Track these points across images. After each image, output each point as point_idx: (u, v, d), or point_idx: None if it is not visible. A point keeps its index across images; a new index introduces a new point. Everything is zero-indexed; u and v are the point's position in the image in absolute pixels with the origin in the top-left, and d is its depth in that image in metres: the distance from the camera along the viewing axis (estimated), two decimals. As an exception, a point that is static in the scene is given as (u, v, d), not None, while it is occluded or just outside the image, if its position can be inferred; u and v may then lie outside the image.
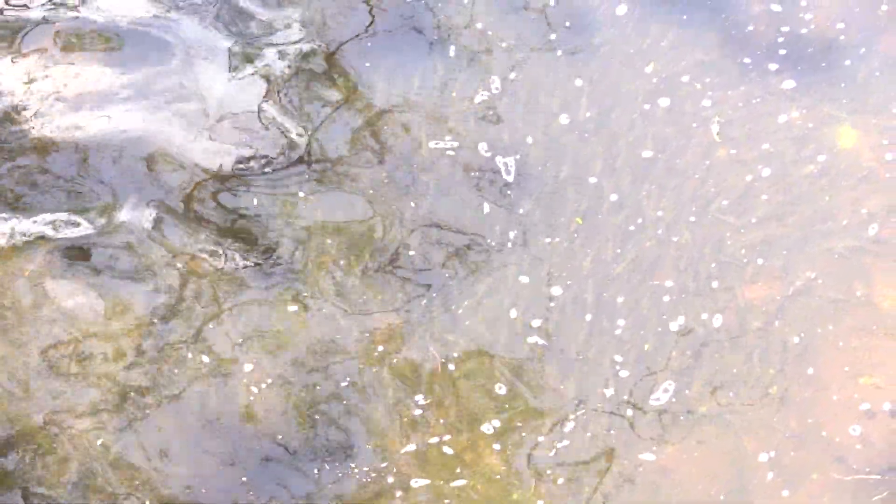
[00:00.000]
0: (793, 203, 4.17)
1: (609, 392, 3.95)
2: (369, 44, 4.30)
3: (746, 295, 4.06)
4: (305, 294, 3.99)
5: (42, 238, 4.00)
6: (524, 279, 4.08)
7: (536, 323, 4.05)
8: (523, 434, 3.93)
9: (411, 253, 4.07)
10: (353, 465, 3.85)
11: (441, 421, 3.92)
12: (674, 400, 3.93)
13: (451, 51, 4.36)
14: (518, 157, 4.15)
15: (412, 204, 4.10)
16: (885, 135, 4.21)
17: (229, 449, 3.82)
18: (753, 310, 4.05)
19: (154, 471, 3.78)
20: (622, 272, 4.07)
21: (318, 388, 3.91)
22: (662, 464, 3.90)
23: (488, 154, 4.12)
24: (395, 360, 3.98)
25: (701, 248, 4.10)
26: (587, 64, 4.27)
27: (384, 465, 3.88)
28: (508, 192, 4.12)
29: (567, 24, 4.29)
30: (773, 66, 4.30)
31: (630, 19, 4.29)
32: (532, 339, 4.06)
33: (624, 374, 3.97)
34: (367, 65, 4.25)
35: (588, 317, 4.06)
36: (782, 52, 4.27)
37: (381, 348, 4.00)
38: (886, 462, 3.87)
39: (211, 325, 3.95)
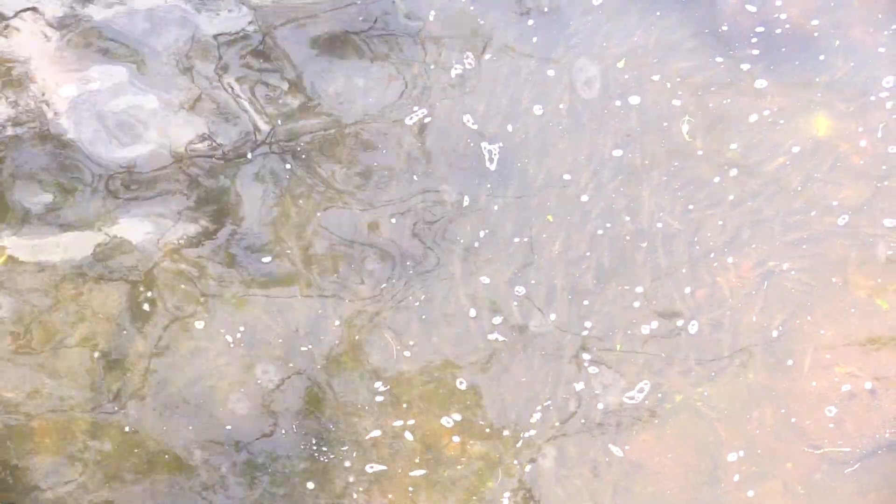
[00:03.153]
0: (765, 196, 4.12)
1: (579, 386, 3.91)
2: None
3: (721, 292, 4.00)
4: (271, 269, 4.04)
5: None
6: (485, 279, 4.08)
7: (497, 320, 4.04)
8: (486, 430, 3.90)
9: (377, 241, 4.10)
10: (314, 442, 3.86)
11: (404, 405, 3.91)
12: (646, 402, 3.87)
13: (431, 16, 4.42)
14: (502, 144, 4.16)
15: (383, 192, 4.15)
16: (859, 122, 4.16)
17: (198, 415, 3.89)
18: (729, 306, 3.99)
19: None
20: (590, 275, 4.04)
21: (278, 356, 3.94)
22: (634, 457, 3.83)
23: (475, 127, 4.13)
24: (356, 338, 3.99)
25: (671, 250, 4.06)
26: (561, 55, 4.30)
27: (345, 448, 3.89)
28: (488, 184, 4.14)
29: (546, 8, 4.32)
30: (745, 66, 4.30)
31: (605, 11, 4.31)
32: (493, 336, 4.04)
33: (593, 370, 3.93)
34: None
35: (553, 316, 4.03)
36: (755, 52, 4.27)
37: (336, 323, 4.02)
38: (861, 441, 3.76)
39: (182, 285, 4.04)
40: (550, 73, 4.32)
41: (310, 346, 3.95)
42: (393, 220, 4.08)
